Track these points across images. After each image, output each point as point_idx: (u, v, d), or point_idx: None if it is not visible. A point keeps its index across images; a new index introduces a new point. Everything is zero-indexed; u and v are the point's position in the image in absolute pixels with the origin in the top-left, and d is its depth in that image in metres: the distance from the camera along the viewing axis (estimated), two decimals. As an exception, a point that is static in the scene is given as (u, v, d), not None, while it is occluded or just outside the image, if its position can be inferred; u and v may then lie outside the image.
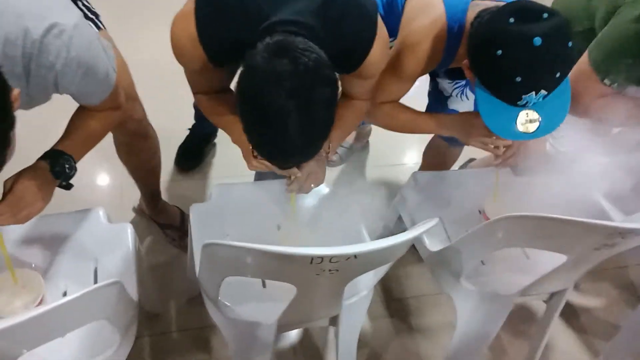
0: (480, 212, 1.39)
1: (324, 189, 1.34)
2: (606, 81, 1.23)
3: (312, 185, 1.16)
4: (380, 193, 1.19)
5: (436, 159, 1.81)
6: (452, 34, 1.13)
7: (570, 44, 0.99)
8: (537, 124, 1.04)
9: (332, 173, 2.02)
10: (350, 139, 2.11)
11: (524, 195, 1.25)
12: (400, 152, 2.24)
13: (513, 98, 1.02)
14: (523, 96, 1.00)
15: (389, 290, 1.71)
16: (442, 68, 1.29)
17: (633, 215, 1.24)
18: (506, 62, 0.98)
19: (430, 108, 1.55)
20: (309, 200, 1.31)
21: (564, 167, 1.40)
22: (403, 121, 1.30)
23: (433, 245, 1.28)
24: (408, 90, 1.25)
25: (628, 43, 1.17)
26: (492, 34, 1.00)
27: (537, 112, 1.04)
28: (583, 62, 1.25)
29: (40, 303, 1.04)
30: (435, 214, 1.34)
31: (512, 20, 0.97)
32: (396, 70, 1.18)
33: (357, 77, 1.10)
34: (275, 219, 1.28)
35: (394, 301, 1.69)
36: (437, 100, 1.53)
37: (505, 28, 0.98)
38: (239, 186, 1.38)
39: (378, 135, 2.17)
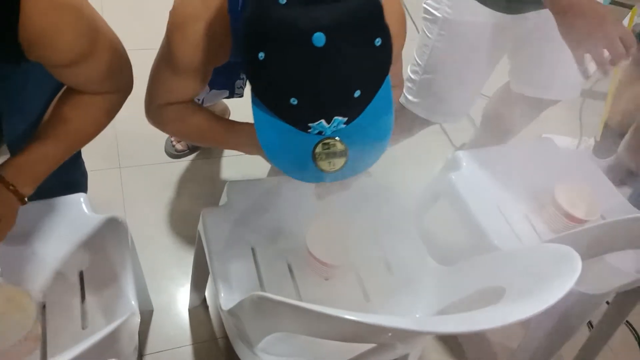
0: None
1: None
2: None
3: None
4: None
5: None
6: (238, 12, 0.76)
7: (378, 41, 0.62)
8: (344, 160, 0.69)
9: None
10: None
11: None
12: None
13: (297, 124, 0.67)
14: (310, 124, 0.65)
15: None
16: (237, 58, 0.90)
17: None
18: (273, 73, 0.62)
19: None
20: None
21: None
22: (194, 127, 0.92)
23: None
24: (197, 88, 0.88)
25: None
26: (253, 22, 0.61)
27: (341, 140, 0.68)
28: None
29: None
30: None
31: None
32: (169, 60, 0.83)
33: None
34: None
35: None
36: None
37: (271, 14, 0.59)
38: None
39: (239, 116, 1.85)
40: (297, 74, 0.61)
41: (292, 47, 0.60)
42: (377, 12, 0.62)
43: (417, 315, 0.94)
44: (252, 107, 0.68)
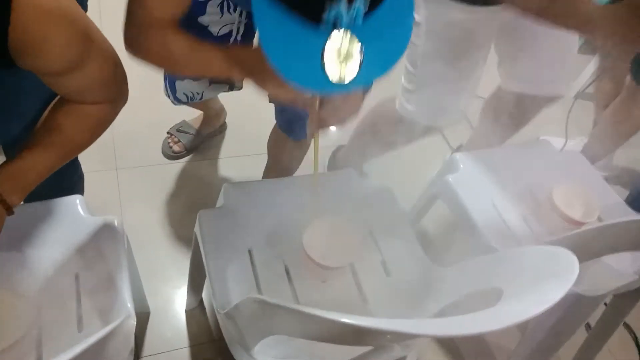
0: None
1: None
2: None
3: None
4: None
5: (278, 154, 1.46)
6: None
7: None
8: (356, 63, 0.61)
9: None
10: (196, 123, 1.75)
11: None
12: (264, 137, 1.50)
13: (310, 9, 0.58)
14: (326, 6, 0.57)
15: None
16: None
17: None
18: None
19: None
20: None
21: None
22: (178, 51, 0.83)
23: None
24: (179, 3, 0.82)
25: None
26: None
27: (357, 38, 0.61)
28: None
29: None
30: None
31: None
32: None
33: None
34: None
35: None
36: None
37: None
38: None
39: (236, 117, 1.84)
40: None
41: None
42: None
43: (415, 318, 0.94)
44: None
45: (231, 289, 0.90)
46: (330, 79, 0.61)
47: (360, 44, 0.60)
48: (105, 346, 0.74)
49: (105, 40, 0.79)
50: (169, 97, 1.30)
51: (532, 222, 1.16)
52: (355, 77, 0.62)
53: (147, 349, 1.28)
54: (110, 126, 0.89)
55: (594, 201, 1.13)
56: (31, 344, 0.82)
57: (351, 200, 1.09)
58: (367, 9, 0.60)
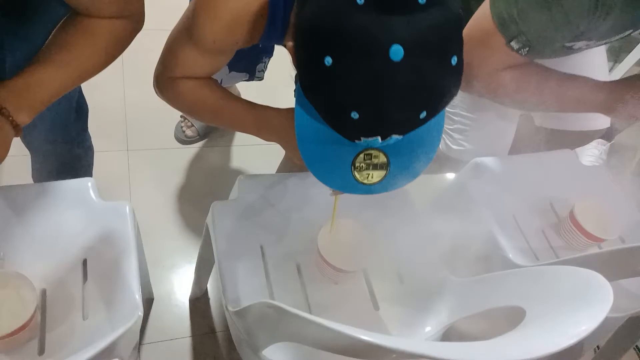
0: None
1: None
2: (513, 44, 0.85)
3: None
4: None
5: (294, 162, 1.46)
6: None
7: (454, 59, 0.57)
8: (384, 172, 0.67)
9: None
10: None
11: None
12: None
13: (348, 135, 0.62)
14: (362, 138, 0.61)
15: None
16: (269, 42, 0.89)
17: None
18: (338, 82, 0.56)
19: None
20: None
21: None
22: (209, 105, 0.86)
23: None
24: (218, 67, 0.85)
25: None
26: (320, 22, 0.56)
27: (385, 153, 0.66)
28: (482, 15, 0.86)
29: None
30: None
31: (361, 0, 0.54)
32: (192, 34, 0.78)
33: None
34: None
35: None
36: None
37: (343, 19, 0.54)
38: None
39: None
40: (366, 87, 0.55)
41: (366, 57, 0.54)
42: (458, 27, 0.58)
43: (428, 328, 0.92)
44: (296, 107, 0.64)
45: (241, 286, 0.88)
46: (357, 182, 0.67)
47: (387, 157, 0.65)
48: (113, 347, 0.72)
49: None
50: None
51: (551, 236, 1.13)
52: (382, 183, 0.67)
53: (148, 337, 1.26)
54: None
55: (616, 218, 1.10)
56: (35, 329, 0.80)
57: (368, 202, 1.06)
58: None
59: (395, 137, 0.60)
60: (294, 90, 0.65)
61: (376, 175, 0.66)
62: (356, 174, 0.65)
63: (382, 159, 0.65)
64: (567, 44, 0.90)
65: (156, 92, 0.87)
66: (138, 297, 0.86)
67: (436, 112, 0.62)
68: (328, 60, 0.55)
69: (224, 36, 0.75)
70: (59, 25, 0.78)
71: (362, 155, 0.65)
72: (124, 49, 0.81)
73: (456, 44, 0.58)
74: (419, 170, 0.69)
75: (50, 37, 0.78)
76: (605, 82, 0.99)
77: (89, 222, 0.93)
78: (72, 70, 0.76)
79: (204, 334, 1.30)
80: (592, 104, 1.00)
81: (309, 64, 0.59)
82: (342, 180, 0.66)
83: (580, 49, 0.93)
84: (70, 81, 0.77)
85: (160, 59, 0.84)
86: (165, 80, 0.84)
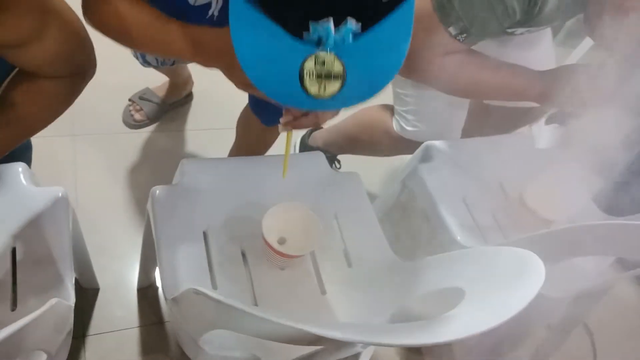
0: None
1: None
2: (451, 29, 0.84)
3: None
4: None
5: (247, 136, 1.38)
6: None
7: None
8: (338, 83, 0.56)
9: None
10: (160, 91, 1.65)
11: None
12: (234, 110, 1.39)
13: (292, 24, 0.53)
14: (311, 25, 0.52)
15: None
16: None
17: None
18: None
19: None
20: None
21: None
22: (143, 31, 0.75)
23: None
24: None
25: None
26: None
27: (341, 60, 0.55)
28: (421, 1, 0.84)
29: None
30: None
31: None
32: None
33: None
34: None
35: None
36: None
37: None
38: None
39: (201, 87, 1.74)
40: None
41: None
42: None
43: (375, 312, 0.90)
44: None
45: (180, 273, 0.85)
46: (307, 93, 0.56)
47: (343, 65, 0.54)
48: (37, 329, 0.68)
49: (67, 9, 0.72)
50: (137, 58, 1.21)
51: (501, 218, 1.13)
52: (336, 97, 0.57)
53: (94, 327, 1.22)
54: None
55: (565, 200, 1.11)
56: (-44, 322, 0.75)
57: (317, 185, 1.04)
58: (359, 30, 0.53)
59: (352, 24, 0.52)
60: None
61: (330, 87, 0.55)
62: (307, 83, 0.55)
63: (338, 67, 0.54)
64: (508, 30, 0.89)
65: (85, 21, 0.77)
66: (70, 285, 0.82)
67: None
68: None
69: None
70: (6, 82, 0.77)
71: (313, 61, 0.54)
72: (71, 103, 0.81)
73: None
74: (382, 83, 0.59)
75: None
76: (540, 72, 0.99)
77: (19, 209, 0.88)
78: (18, 131, 0.79)
79: (152, 324, 1.26)
80: (527, 95, 1.00)
81: None
82: (289, 91, 0.56)
83: (522, 34, 0.93)
84: (16, 139, 0.80)
85: None
86: (92, 4, 0.75)
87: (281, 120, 0.74)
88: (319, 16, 0.50)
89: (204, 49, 0.74)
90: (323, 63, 0.54)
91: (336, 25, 0.51)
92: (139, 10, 0.75)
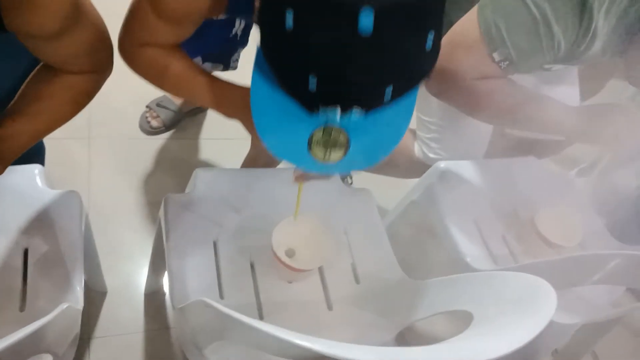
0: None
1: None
2: (495, 55, 0.85)
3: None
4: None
5: (262, 148, 1.41)
6: None
7: (429, 39, 0.54)
8: (342, 152, 0.62)
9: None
10: (177, 99, 1.64)
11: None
12: None
13: (306, 102, 0.59)
14: (321, 107, 0.57)
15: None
16: (237, 13, 0.88)
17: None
18: (298, 40, 0.53)
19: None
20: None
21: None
22: (173, 75, 0.81)
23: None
24: (182, 36, 0.81)
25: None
26: None
27: (346, 133, 0.61)
28: (468, 20, 0.86)
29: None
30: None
31: None
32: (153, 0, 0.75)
33: None
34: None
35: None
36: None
37: None
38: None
39: None
40: (328, 50, 0.51)
41: (331, 16, 0.50)
42: (439, 2, 0.55)
43: (381, 331, 0.90)
44: (254, 69, 0.60)
45: (189, 283, 0.85)
46: (315, 158, 0.62)
47: (347, 137, 0.61)
48: (46, 333, 0.68)
49: (94, 8, 0.75)
50: None
51: (512, 242, 1.12)
52: (340, 163, 0.63)
53: (99, 330, 1.22)
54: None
55: (577, 226, 1.10)
56: (-33, 320, 0.76)
57: (328, 200, 1.04)
58: (363, 113, 0.59)
59: (358, 111, 0.57)
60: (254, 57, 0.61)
61: (334, 154, 0.61)
62: (314, 149, 0.61)
63: (342, 139, 0.60)
64: (546, 66, 0.90)
65: (121, 57, 0.83)
66: (80, 289, 0.82)
67: (404, 91, 0.59)
68: (289, 15, 0.51)
69: (184, 4, 0.73)
70: (30, 76, 0.80)
71: (321, 132, 0.60)
72: (92, 98, 0.84)
73: (435, 19, 0.55)
74: (380, 155, 0.65)
75: (21, 88, 0.80)
76: (576, 108, 0.99)
77: (33, 210, 0.89)
78: (42, 123, 0.79)
79: (158, 329, 1.26)
80: (561, 129, 1.00)
81: (269, 19, 0.55)
82: (298, 155, 0.62)
83: (557, 70, 0.93)
84: (40, 132, 0.80)
85: (123, 22, 0.80)
86: (129, 48, 0.81)
87: (293, 173, 0.79)
88: (330, 99, 0.56)
89: (228, 104, 0.82)
90: (329, 134, 0.60)
91: (343, 110, 0.57)
92: (173, 61, 0.81)
